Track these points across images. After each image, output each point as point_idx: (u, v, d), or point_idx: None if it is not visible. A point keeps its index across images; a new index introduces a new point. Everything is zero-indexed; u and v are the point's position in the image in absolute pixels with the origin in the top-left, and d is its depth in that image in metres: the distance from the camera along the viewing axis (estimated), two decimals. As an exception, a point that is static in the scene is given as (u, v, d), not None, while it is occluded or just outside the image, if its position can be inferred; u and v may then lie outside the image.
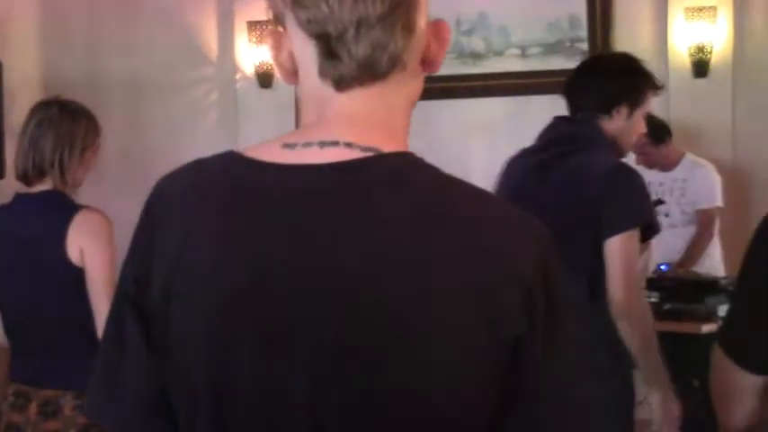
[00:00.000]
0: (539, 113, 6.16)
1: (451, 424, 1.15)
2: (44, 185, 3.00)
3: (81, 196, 3.06)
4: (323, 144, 1.18)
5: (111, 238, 2.93)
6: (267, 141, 1.23)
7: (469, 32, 6.30)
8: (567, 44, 6.20)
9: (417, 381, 1.13)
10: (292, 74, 1.25)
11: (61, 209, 2.94)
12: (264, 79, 6.43)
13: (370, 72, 1.18)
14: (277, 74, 5.66)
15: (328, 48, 1.17)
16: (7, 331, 3.08)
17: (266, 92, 6.44)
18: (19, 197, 3.05)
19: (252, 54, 6.46)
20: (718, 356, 1.90)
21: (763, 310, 1.81)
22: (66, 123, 3.01)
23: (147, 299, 1.22)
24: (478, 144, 6.24)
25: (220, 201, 1.20)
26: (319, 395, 1.14)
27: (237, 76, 6.54)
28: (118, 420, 1.31)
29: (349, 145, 1.17)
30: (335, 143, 1.17)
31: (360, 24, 1.15)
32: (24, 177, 3.02)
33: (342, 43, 1.16)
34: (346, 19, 1.15)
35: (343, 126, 1.19)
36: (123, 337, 1.25)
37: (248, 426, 1.17)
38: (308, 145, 1.18)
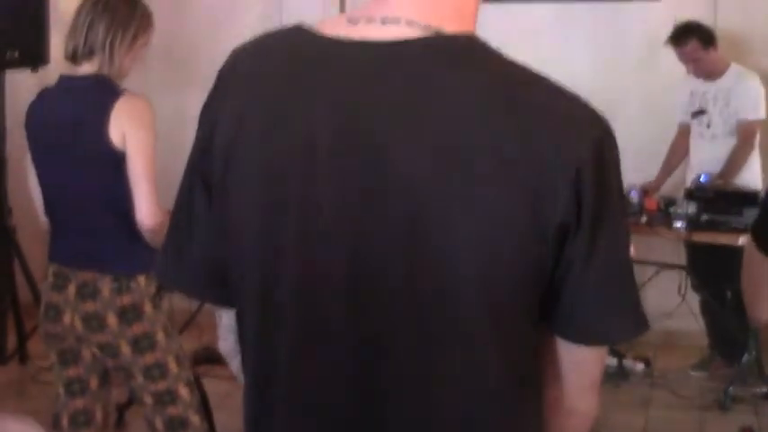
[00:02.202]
0: (582, 21, 6.14)
1: (487, 310, 1.16)
2: (91, 67, 3.02)
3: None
4: (385, 20, 1.19)
5: (153, 123, 2.96)
6: (338, 16, 1.24)
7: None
8: (616, -49, 6.06)
9: (455, 263, 1.14)
10: None
11: (105, 92, 2.96)
12: (309, -28, 6.32)
13: None
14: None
15: None
16: (48, 212, 3.13)
17: (311, -16, 6.35)
18: (64, 79, 3.07)
19: (296, -53, 6.34)
20: (750, 250, 1.92)
21: None
22: (122, 8, 3.04)
23: (211, 167, 1.26)
24: (523, 49, 6.11)
25: (279, 72, 1.23)
26: (356, 269, 1.17)
27: (282, -31, 6.45)
28: (183, 285, 1.39)
29: (410, 23, 1.18)
30: (397, 20, 1.18)
31: None
32: (73, 56, 3.03)
33: None
34: None
35: (406, 4, 1.19)
36: (192, 205, 1.31)
37: (289, 298, 1.22)
38: (370, 21, 1.20)
